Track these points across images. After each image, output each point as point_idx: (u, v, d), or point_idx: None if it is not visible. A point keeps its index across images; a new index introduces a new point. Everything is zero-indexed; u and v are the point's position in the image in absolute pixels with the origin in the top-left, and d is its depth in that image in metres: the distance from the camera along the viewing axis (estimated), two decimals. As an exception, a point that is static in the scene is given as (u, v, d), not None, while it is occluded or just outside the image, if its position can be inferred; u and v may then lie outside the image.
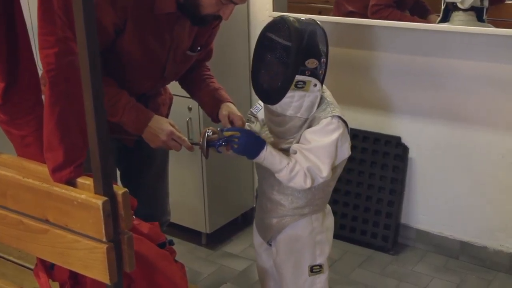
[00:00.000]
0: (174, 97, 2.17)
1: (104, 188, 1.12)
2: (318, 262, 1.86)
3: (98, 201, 1.11)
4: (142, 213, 2.15)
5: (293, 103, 1.64)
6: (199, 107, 2.11)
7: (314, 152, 1.66)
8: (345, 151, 1.74)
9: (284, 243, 1.85)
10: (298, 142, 1.71)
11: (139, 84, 1.87)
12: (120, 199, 1.14)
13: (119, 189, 1.14)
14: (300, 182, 1.68)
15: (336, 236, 3.02)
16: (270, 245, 1.92)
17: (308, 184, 1.68)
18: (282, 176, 1.68)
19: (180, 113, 2.72)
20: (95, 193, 1.14)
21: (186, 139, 1.83)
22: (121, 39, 1.72)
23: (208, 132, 1.79)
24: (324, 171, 1.67)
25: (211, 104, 1.91)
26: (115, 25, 1.70)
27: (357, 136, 2.93)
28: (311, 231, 1.84)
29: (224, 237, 3.04)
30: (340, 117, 1.68)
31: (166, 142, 1.80)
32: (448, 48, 2.58)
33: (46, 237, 1.22)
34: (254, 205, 3.16)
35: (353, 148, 2.99)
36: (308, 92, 1.64)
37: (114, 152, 2.03)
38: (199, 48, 1.90)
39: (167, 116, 2.12)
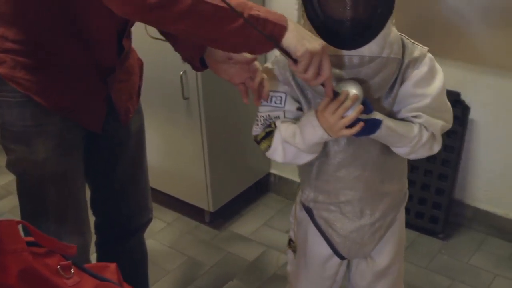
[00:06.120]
0: (164, 42, 1.48)
1: None
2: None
3: None
4: (118, 215, 1.65)
5: (389, 35, 1.17)
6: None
7: (436, 104, 1.25)
8: None
9: (396, 238, 1.44)
10: (394, 101, 1.24)
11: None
12: None
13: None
14: (425, 151, 1.29)
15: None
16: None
17: (436, 149, 1.30)
18: (402, 150, 1.28)
19: (170, 65, 2.11)
20: None
21: None
22: None
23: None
24: (450, 119, 1.30)
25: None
26: None
27: (400, 89, 2.28)
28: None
29: (233, 211, 2.49)
30: None
31: (320, 54, 1.10)
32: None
33: None
34: (270, 171, 2.59)
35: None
36: (390, 22, 1.18)
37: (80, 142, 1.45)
38: None
39: (139, 89, 1.53)
